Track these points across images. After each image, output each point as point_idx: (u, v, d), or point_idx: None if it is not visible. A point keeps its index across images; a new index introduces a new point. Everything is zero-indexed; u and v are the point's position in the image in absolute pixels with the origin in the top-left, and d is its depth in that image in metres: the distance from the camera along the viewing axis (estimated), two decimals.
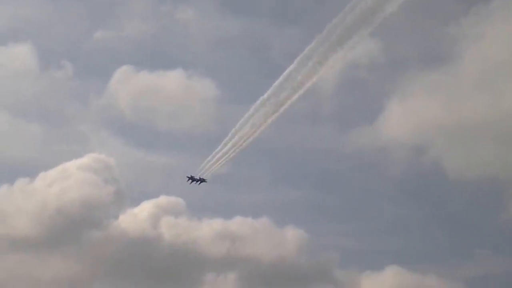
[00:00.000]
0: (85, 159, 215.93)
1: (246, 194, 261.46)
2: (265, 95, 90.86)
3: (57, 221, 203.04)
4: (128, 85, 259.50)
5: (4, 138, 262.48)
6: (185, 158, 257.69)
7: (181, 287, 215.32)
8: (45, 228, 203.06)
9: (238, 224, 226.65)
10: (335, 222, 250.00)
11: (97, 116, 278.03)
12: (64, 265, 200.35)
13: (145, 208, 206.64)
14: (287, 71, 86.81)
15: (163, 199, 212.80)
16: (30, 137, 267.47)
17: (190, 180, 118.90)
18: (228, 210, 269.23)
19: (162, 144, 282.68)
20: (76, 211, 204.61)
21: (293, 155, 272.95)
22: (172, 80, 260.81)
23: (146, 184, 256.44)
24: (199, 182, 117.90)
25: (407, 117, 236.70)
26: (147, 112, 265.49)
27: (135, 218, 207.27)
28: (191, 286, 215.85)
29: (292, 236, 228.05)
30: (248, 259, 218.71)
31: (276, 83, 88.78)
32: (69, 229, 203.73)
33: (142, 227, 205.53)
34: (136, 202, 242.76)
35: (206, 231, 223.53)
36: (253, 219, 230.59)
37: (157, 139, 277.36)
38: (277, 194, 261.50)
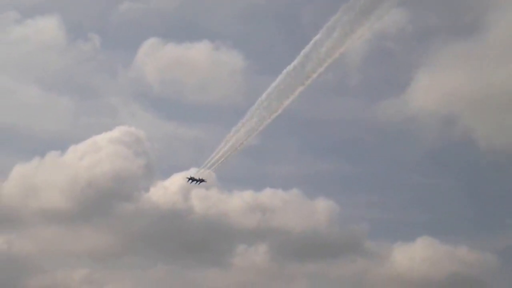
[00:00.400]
0: (115, 132, 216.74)
1: (276, 166, 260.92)
2: (292, 66, 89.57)
3: (88, 194, 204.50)
4: (155, 57, 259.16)
5: (35, 112, 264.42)
6: (214, 130, 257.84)
7: (212, 258, 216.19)
8: (76, 201, 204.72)
9: (269, 196, 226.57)
10: (366, 193, 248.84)
11: (126, 88, 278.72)
12: (95, 237, 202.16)
13: (176, 181, 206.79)
14: (313, 41, 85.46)
15: (193, 172, 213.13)
16: (60, 111, 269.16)
17: (190, 181, 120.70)
18: (258, 182, 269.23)
19: (191, 117, 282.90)
20: (106, 184, 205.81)
21: (322, 126, 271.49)
22: (199, 52, 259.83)
23: (176, 156, 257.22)
24: (198, 182, 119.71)
25: (436, 87, 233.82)
26: (175, 84, 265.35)
27: (166, 191, 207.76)
28: (223, 258, 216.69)
29: (322, 208, 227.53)
30: (279, 230, 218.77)
31: (303, 53, 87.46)
32: (100, 202, 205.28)
33: (172, 200, 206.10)
34: (166, 174, 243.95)
35: (237, 203, 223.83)
36: (284, 191, 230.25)
37: (185, 112, 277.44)
38: (307, 166, 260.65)
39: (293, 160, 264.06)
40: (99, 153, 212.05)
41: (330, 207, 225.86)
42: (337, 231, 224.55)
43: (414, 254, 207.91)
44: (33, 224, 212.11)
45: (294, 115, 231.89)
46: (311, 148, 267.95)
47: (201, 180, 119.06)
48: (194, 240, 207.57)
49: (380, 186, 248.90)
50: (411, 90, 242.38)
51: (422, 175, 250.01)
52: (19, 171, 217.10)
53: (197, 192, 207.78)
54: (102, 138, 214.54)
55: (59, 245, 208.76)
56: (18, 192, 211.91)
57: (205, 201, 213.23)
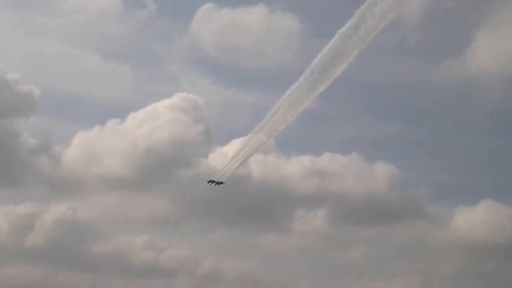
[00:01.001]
0: (174, 99, 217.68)
1: (335, 130, 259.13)
2: (348, 28, 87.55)
3: (147, 161, 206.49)
4: (210, 23, 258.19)
5: (96, 80, 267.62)
6: (272, 95, 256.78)
7: (271, 224, 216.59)
8: (136, 168, 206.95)
9: (327, 160, 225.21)
10: (427, 156, 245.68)
11: (183, 55, 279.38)
12: (155, 204, 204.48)
13: (234, 147, 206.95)
14: (369, 1, 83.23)
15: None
16: (120, 79, 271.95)
17: (210, 183, 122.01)
18: (317, 147, 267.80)
19: (248, 82, 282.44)
20: (165, 150, 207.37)
21: (382, 89, 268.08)
22: (254, 16, 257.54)
23: (234, 122, 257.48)
24: (217, 184, 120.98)
25: (497, 47, 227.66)
26: (230, 49, 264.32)
27: (225, 156, 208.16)
28: (282, 223, 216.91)
29: (382, 172, 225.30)
30: (338, 195, 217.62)
31: (359, 14, 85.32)
32: (159, 168, 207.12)
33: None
34: (225, 140, 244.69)
35: (295, 168, 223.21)
36: (343, 155, 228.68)
37: (242, 77, 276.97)
38: (367, 130, 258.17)
39: (352, 124, 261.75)
40: (158, 120, 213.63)
41: (390, 171, 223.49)
42: (397, 195, 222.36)
43: (476, 218, 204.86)
44: (95, 191, 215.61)
45: (352, 78, 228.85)
46: (370, 111, 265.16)
47: (220, 183, 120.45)
48: (253, 205, 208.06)
49: (441, 149, 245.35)
50: (471, 50, 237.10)
51: (485, 137, 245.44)
52: (80, 139, 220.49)
53: (255, 157, 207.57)
54: (161, 105, 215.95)
55: (120, 212, 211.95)
56: (80, 159, 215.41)
57: (264, 166, 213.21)
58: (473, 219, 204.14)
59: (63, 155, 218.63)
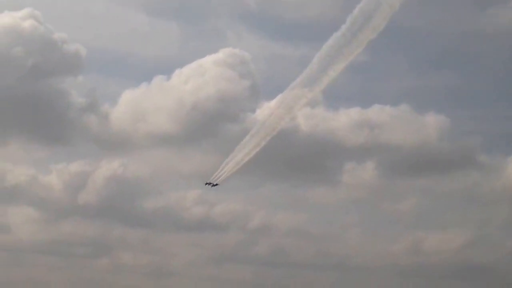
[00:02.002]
0: (220, 54, 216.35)
1: (384, 81, 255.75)
2: None
3: (194, 117, 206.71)
4: None
5: (141, 38, 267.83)
6: (318, 48, 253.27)
7: (320, 177, 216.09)
8: (183, 124, 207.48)
9: (376, 112, 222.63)
10: (478, 106, 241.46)
11: (229, 10, 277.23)
12: (204, 159, 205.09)
13: (281, 101, 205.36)
14: None
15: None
16: (165, 35, 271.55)
17: (208, 184, 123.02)
18: (365, 98, 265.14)
19: (293, 35, 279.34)
20: (212, 106, 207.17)
21: (431, 38, 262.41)
22: None
23: (281, 76, 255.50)
24: (213, 185, 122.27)
25: None
26: (275, 3, 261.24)
27: (272, 111, 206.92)
28: (330, 176, 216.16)
29: (432, 122, 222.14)
30: (387, 147, 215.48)
31: None
32: (206, 124, 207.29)
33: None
34: (271, 95, 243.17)
35: (344, 120, 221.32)
36: (392, 106, 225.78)
37: (287, 31, 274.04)
38: (417, 80, 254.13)
39: (402, 75, 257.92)
40: (204, 76, 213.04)
41: (441, 122, 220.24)
42: (448, 146, 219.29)
43: None
44: (144, 147, 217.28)
45: (401, 28, 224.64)
46: (421, 61, 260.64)
47: (216, 184, 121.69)
48: (302, 159, 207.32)
49: (494, 99, 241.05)
50: None
51: None
52: (127, 97, 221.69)
53: (303, 111, 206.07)
54: (207, 61, 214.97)
55: (170, 168, 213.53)
56: (128, 117, 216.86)
57: (312, 119, 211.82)
58: None
59: (110, 113, 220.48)
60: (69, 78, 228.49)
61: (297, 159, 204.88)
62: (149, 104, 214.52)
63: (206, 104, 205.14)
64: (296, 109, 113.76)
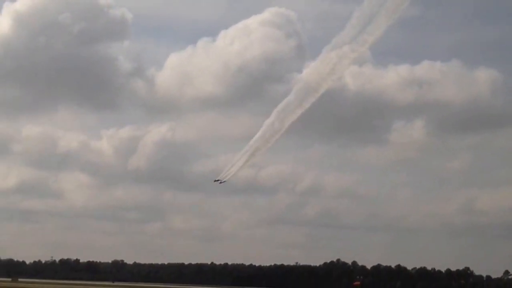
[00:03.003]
0: (266, 14, 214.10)
1: (434, 36, 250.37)
2: None
3: (240, 79, 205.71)
4: None
5: (186, 0, 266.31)
6: (366, 4, 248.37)
7: (368, 136, 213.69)
8: (229, 86, 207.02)
9: (426, 69, 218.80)
10: None
11: None
12: (250, 120, 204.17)
13: (328, 60, 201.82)
14: None
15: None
16: None
17: (216, 181, 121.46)
18: (415, 54, 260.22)
19: None
20: (258, 67, 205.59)
21: None
22: None
23: (328, 35, 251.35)
24: (221, 182, 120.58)
25: None
26: None
27: (319, 70, 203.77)
28: (379, 135, 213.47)
29: (484, 78, 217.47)
30: (437, 104, 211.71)
31: None
32: (252, 85, 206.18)
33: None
34: (318, 54, 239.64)
35: (392, 78, 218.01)
36: (442, 62, 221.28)
37: None
38: (469, 35, 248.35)
39: (453, 30, 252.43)
40: (249, 37, 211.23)
41: (493, 77, 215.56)
42: (500, 101, 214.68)
43: None
44: (191, 111, 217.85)
45: None
46: (473, 15, 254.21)
47: (224, 181, 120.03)
48: (349, 118, 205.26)
49: None
50: None
51: None
52: (173, 60, 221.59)
53: (350, 69, 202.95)
54: (252, 22, 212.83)
55: (217, 130, 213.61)
56: (174, 81, 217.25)
57: (359, 78, 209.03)
58: None
59: (157, 78, 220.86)
60: (116, 44, 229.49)
61: (345, 119, 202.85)
62: (194, 67, 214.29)
63: (252, 65, 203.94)
64: (343, 67, 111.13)
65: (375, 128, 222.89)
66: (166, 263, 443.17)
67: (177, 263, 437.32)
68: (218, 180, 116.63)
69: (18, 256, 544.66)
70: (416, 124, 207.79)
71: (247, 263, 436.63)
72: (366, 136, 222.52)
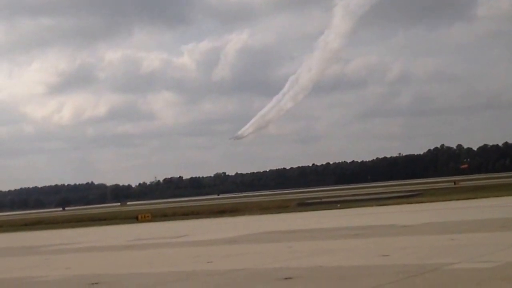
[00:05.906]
0: None
1: None
2: None
3: None
4: None
5: None
6: None
7: (453, 13, 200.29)
8: None
9: None
10: None
11: None
12: (328, 15, 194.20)
13: None
14: None
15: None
16: None
17: (231, 139, 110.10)
18: None
19: None
20: None
21: None
22: None
23: None
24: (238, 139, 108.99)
25: None
26: None
27: None
28: (464, 11, 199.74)
29: None
30: None
31: None
32: None
33: None
34: None
35: None
36: None
37: None
38: None
39: None
40: None
41: None
42: None
43: None
44: (265, 14, 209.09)
45: None
46: None
47: (242, 137, 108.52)
48: None
49: None
50: None
51: None
52: None
53: None
54: None
55: (295, 31, 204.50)
56: None
57: None
58: None
59: None
60: None
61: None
62: None
63: None
64: None
65: (459, 3, 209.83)
66: (267, 170, 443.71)
67: (279, 169, 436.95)
68: (234, 138, 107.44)
69: (123, 181, 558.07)
70: None
71: (348, 160, 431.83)
72: (450, 13, 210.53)
